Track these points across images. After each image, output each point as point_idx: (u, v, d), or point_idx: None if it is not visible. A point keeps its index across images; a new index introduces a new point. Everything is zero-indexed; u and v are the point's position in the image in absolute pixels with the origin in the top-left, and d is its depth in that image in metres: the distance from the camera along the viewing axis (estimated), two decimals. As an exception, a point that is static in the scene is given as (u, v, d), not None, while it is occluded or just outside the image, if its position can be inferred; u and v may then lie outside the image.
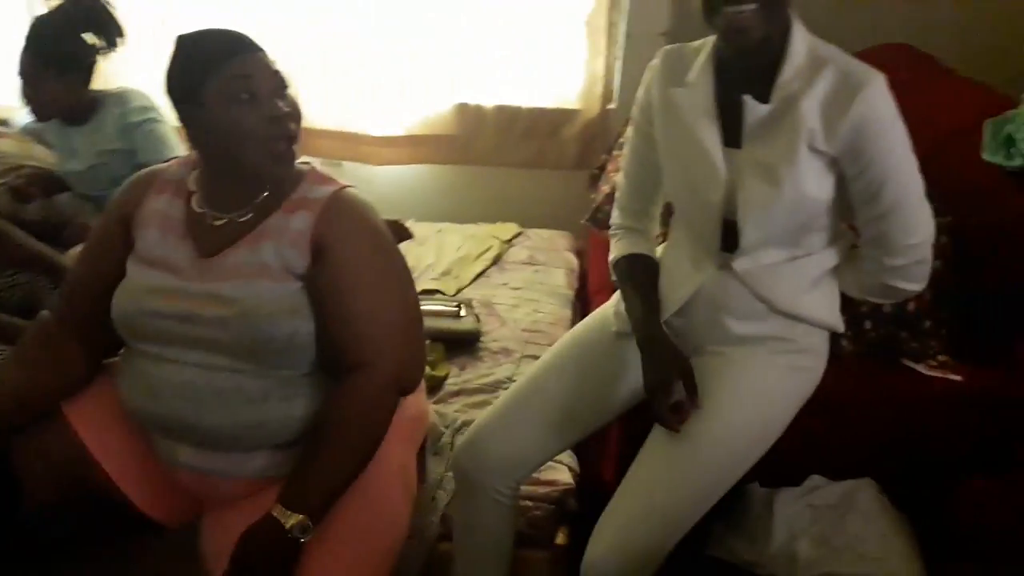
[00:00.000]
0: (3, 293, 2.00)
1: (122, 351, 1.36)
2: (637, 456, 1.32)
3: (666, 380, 1.28)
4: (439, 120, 2.92)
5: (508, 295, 2.38)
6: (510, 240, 2.76)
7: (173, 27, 2.77)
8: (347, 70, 2.87)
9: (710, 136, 1.27)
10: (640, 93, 1.40)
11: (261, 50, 1.24)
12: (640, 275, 1.42)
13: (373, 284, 1.26)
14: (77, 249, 2.10)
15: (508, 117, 2.88)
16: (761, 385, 1.32)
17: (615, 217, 1.50)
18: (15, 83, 1.99)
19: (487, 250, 2.64)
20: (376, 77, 2.87)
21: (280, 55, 1.26)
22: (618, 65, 2.81)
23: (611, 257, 1.49)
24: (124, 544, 1.45)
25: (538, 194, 2.98)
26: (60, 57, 2.01)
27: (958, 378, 1.62)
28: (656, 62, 1.37)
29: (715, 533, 1.65)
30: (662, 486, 1.26)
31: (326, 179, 1.31)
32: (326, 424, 1.23)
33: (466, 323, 2.12)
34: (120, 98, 2.16)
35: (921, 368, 1.65)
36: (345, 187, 1.31)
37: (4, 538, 1.15)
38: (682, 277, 1.38)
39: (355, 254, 1.26)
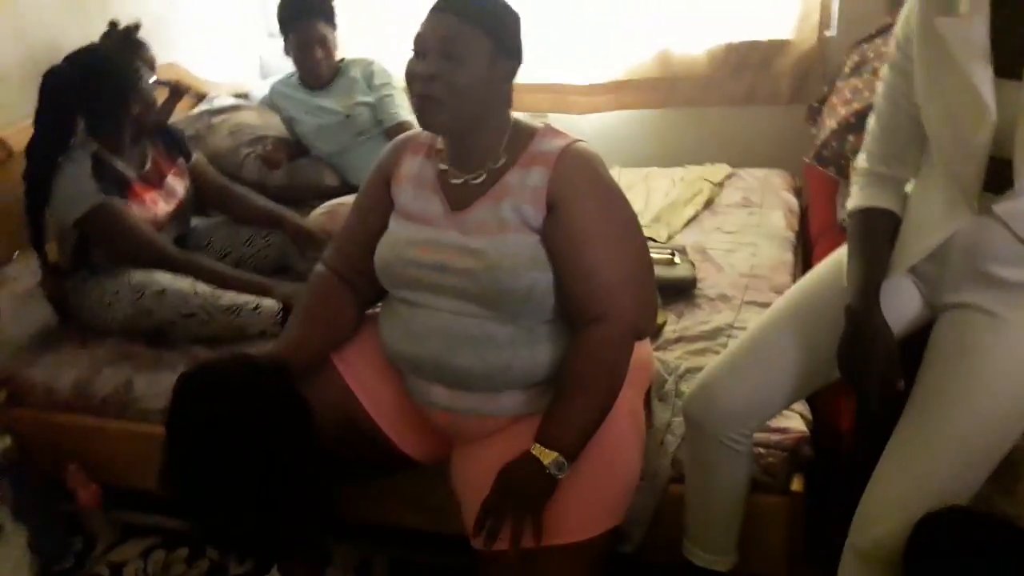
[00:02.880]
0: (261, 252, 2.23)
1: (381, 303, 1.48)
2: (899, 423, 1.26)
3: (862, 361, 1.23)
4: (643, 66, 2.86)
5: (722, 240, 2.31)
6: (721, 182, 2.66)
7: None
8: (548, 23, 2.86)
9: (981, 71, 1.14)
10: (897, 28, 1.29)
11: None
12: (873, 236, 1.33)
13: (607, 237, 1.30)
14: (318, 211, 2.31)
15: (716, 54, 2.77)
16: None
17: (861, 161, 1.40)
18: (253, 60, 2.23)
19: (697, 194, 2.57)
20: (578, 27, 2.85)
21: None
22: (836, -10, 2.61)
23: (849, 206, 1.40)
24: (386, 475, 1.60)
25: (749, 132, 2.85)
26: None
27: None
28: None
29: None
30: (937, 458, 1.20)
31: (558, 134, 1.35)
32: (572, 372, 1.29)
33: (681, 270, 2.09)
34: (362, 62, 2.56)
35: None
36: (576, 141, 1.34)
37: (305, 464, 1.31)
38: (932, 222, 1.27)
39: (589, 208, 1.29)
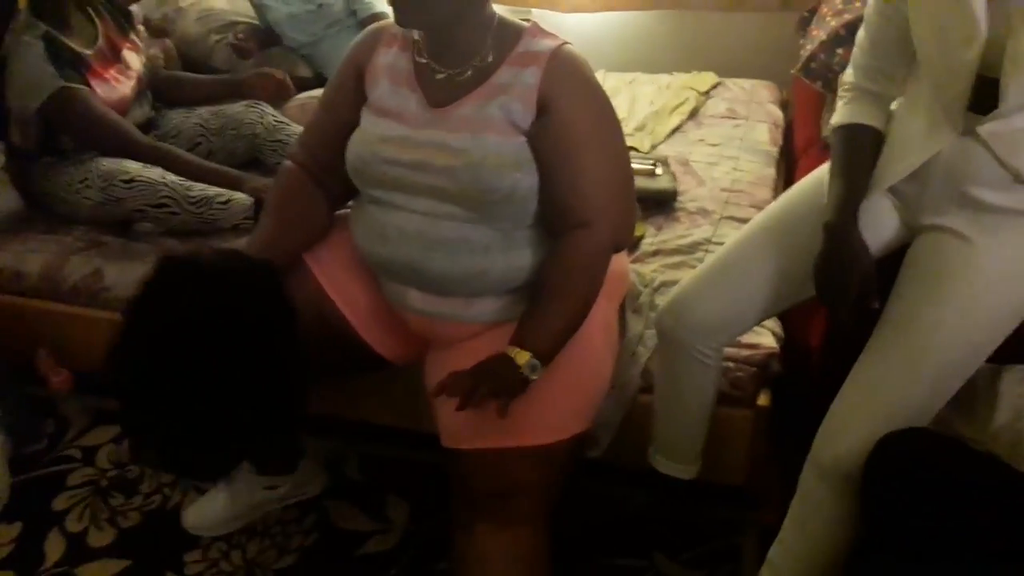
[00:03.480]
0: (230, 144, 2.17)
1: (353, 201, 1.44)
2: (869, 342, 1.28)
3: (838, 279, 1.24)
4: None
5: (706, 152, 2.29)
6: (707, 91, 2.61)
7: None
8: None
9: None
10: None
11: None
12: (855, 154, 1.31)
13: (594, 143, 1.28)
14: (291, 103, 2.24)
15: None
16: (1009, 270, 1.22)
17: (848, 75, 1.37)
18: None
19: (683, 103, 2.52)
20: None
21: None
22: None
23: (833, 121, 1.38)
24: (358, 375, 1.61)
25: (738, 40, 2.78)
26: None
27: None
28: None
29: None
30: (902, 378, 1.22)
31: (546, 34, 1.31)
32: (551, 279, 1.28)
33: (662, 182, 2.07)
34: None
35: None
36: (565, 43, 1.30)
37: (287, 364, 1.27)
38: (915, 141, 1.26)
39: (580, 113, 1.26)
